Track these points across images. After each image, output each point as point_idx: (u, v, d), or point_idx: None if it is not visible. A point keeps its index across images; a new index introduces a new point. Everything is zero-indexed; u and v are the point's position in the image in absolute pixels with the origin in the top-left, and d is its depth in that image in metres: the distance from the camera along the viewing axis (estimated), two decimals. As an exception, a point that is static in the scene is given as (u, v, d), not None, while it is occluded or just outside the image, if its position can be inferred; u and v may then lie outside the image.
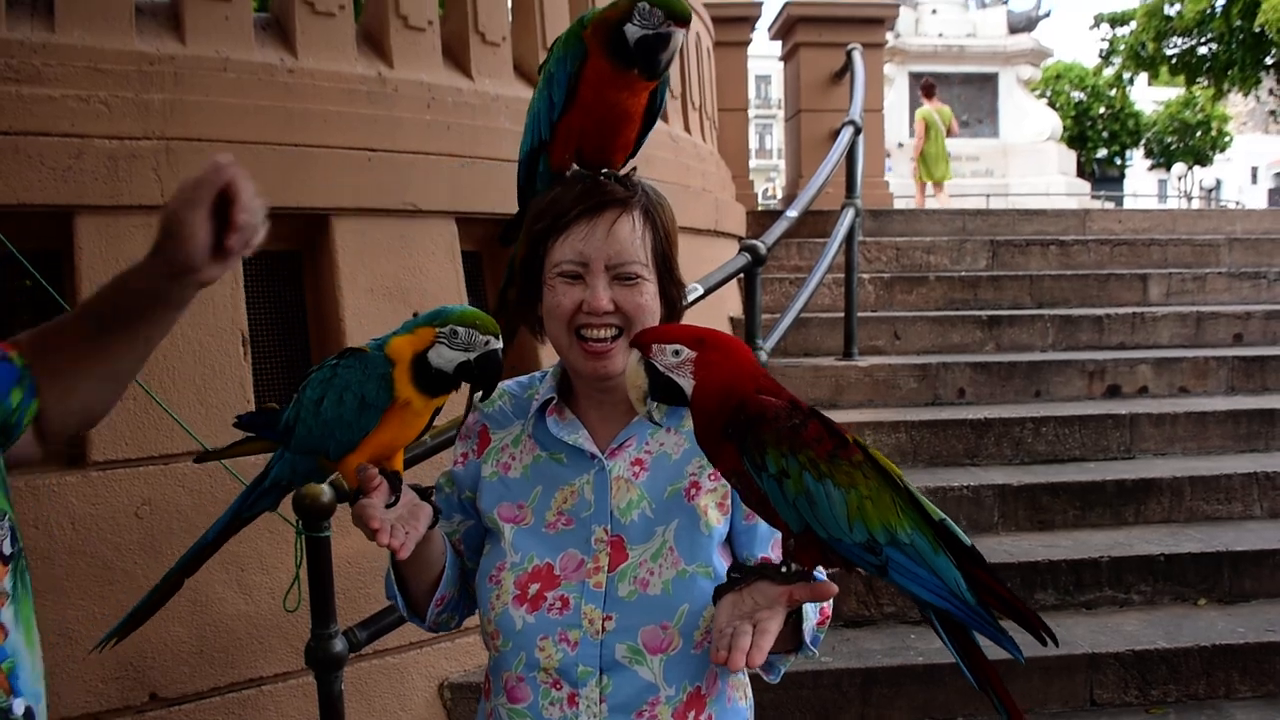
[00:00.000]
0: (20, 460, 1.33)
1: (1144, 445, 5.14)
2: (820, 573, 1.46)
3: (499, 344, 1.45)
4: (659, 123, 5.22)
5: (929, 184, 12.85)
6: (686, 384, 1.32)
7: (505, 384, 1.69)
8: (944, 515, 1.34)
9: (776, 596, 1.32)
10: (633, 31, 1.57)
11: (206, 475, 3.27)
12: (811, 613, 1.51)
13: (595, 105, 1.64)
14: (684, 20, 1.57)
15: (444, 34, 4.07)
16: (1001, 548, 4.30)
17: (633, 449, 1.57)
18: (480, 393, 1.63)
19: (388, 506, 1.42)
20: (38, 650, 1.28)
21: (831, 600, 1.55)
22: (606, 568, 1.50)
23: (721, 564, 1.52)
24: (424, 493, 1.50)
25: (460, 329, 1.44)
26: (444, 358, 1.44)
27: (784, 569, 1.35)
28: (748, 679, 1.62)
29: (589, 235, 1.51)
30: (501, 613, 1.52)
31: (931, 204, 12.41)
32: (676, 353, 1.32)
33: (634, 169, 1.65)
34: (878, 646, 3.80)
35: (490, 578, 1.55)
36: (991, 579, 1.32)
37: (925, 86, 13.40)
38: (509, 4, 4.41)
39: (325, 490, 2.71)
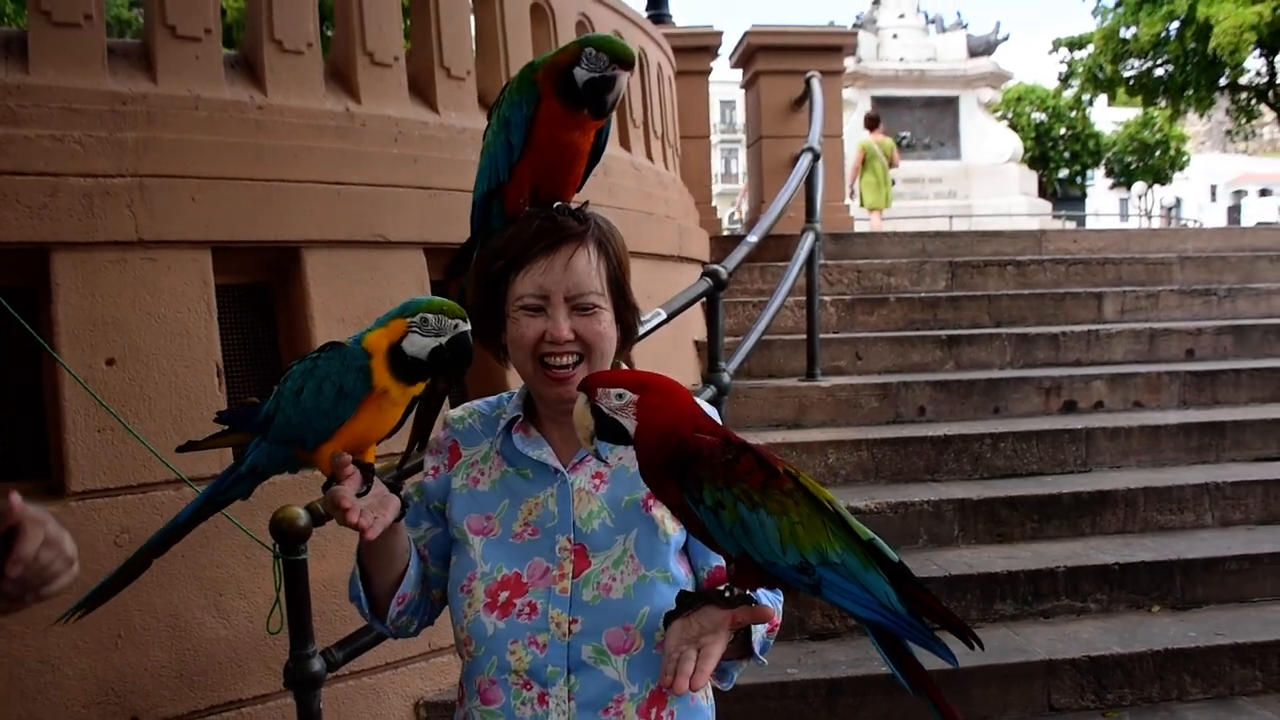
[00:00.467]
0: None
1: (1099, 459, 5.29)
2: (762, 595, 1.56)
3: (467, 326, 1.54)
4: (622, 152, 5.37)
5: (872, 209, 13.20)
6: (630, 424, 1.42)
7: (475, 404, 1.79)
8: (873, 535, 1.44)
9: (720, 621, 1.42)
10: (581, 75, 1.69)
11: (183, 504, 3.32)
12: (758, 625, 1.59)
13: (549, 146, 1.74)
14: (628, 64, 1.69)
15: (409, 69, 4.17)
16: (962, 560, 4.42)
17: (593, 463, 1.66)
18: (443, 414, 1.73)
19: (359, 495, 1.50)
20: None
21: (780, 610, 1.66)
22: (571, 574, 1.59)
23: (679, 569, 1.62)
24: (393, 487, 1.58)
25: (430, 316, 1.53)
26: (417, 345, 1.52)
27: (726, 594, 1.45)
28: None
29: (548, 270, 1.61)
30: (474, 620, 1.60)
31: (865, 227, 12.70)
32: (620, 396, 1.42)
33: (586, 202, 1.76)
34: (842, 658, 3.90)
35: (461, 588, 1.64)
36: (919, 591, 1.42)
37: (869, 119, 13.78)
38: (472, 38, 4.53)
39: (301, 514, 2.80)
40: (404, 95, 4.07)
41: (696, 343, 5.99)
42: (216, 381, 3.44)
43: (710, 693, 1.72)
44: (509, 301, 1.64)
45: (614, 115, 1.81)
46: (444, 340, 1.53)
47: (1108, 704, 3.85)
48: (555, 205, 1.70)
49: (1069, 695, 3.84)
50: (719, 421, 1.55)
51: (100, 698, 3.18)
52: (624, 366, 1.72)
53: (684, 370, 5.77)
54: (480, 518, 1.67)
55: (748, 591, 1.47)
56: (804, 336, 5.81)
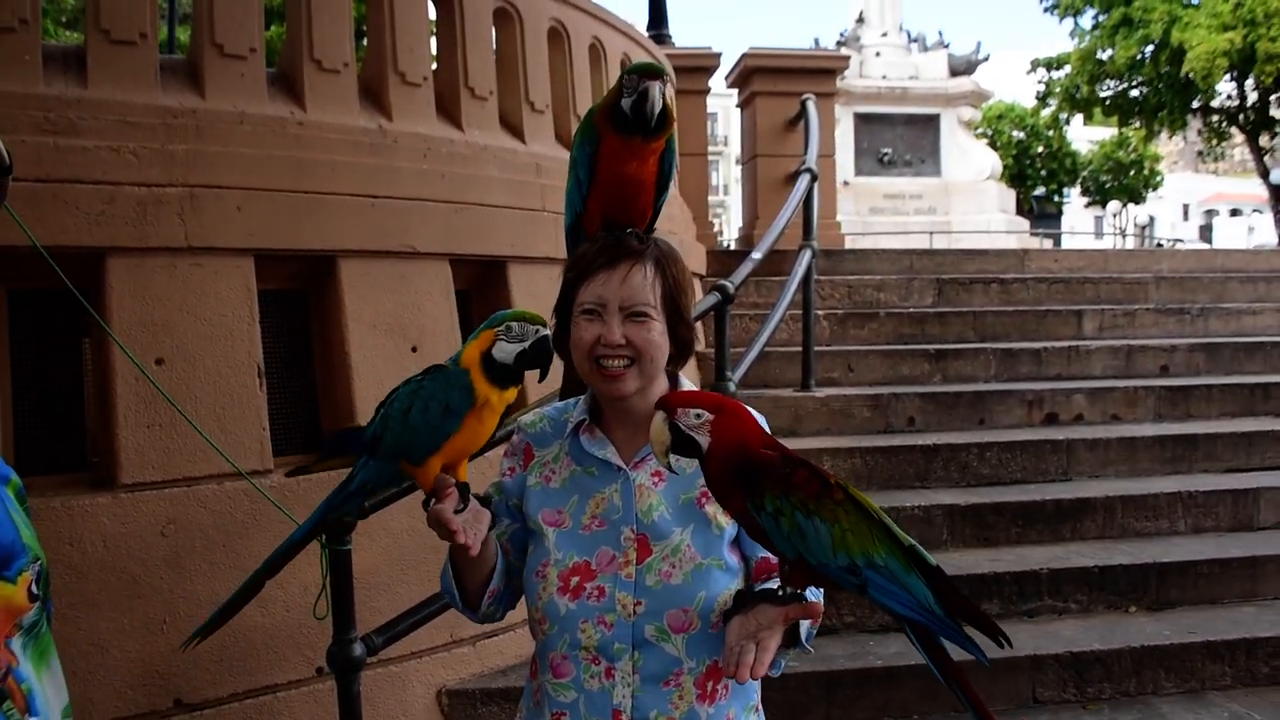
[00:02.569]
0: None
1: (1079, 468, 5.53)
2: (811, 592, 1.72)
3: (547, 330, 1.74)
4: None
5: None
6: (704, 441, 1.58)
7: (545, 409, 1.98)
8: (913, 541, 1.60)
9: (775, 618, 1.59)
10: (625, 101, 1.90)
11: (226, 497, 3.53)
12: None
13: (612, 178, 1.96)
14: (653, 74, 1.89)
15: (436, 88, 4.38)
16: (950, 562, 4.65)
17: (653, 461, 1.84)
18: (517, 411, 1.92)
19: (456, 512, 1.68)
20: (54, 682, 1.44)
21: (821, 603, 1.86)
22: (635, 561, 1.77)
23: (731, 558, 1.80)
24: (482, 500, 1.77)
25: (514, 324, 1.72)
26: (505, 351, 1.71)
27: (780, 592, 1.62)
28: None
29: (607, 281, 1.80)
30: (548, 601, 1.79)
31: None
32: (698, 415, 1.57)
33: (653, 229, 1.97)
34: (840, 652, 4.13)
35: (536, 573, 1.82)
36: (954, 592, 1.58)
37: None
38: (493, 61, 4.74)
39: (348, 507, 3.00)
40: (432, 113, 4.28)
41: (697, 354, 6.20)
42: (258, 382, 3.64)
43: None
44: (574, 308, 1.83)
45: (672, 147, 2.02)
46: (527, 344, 1.71)
47: (1088, 697, 4.10)
48: (626, 230, 1.92)
49: (1052, 689, 4.08)
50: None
51: (146, 680, 3.37)
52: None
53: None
54: (553, 511, 1.85)
55: (801, 596, 1.63)
56: (799, 349, 6.03)
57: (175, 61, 3.88)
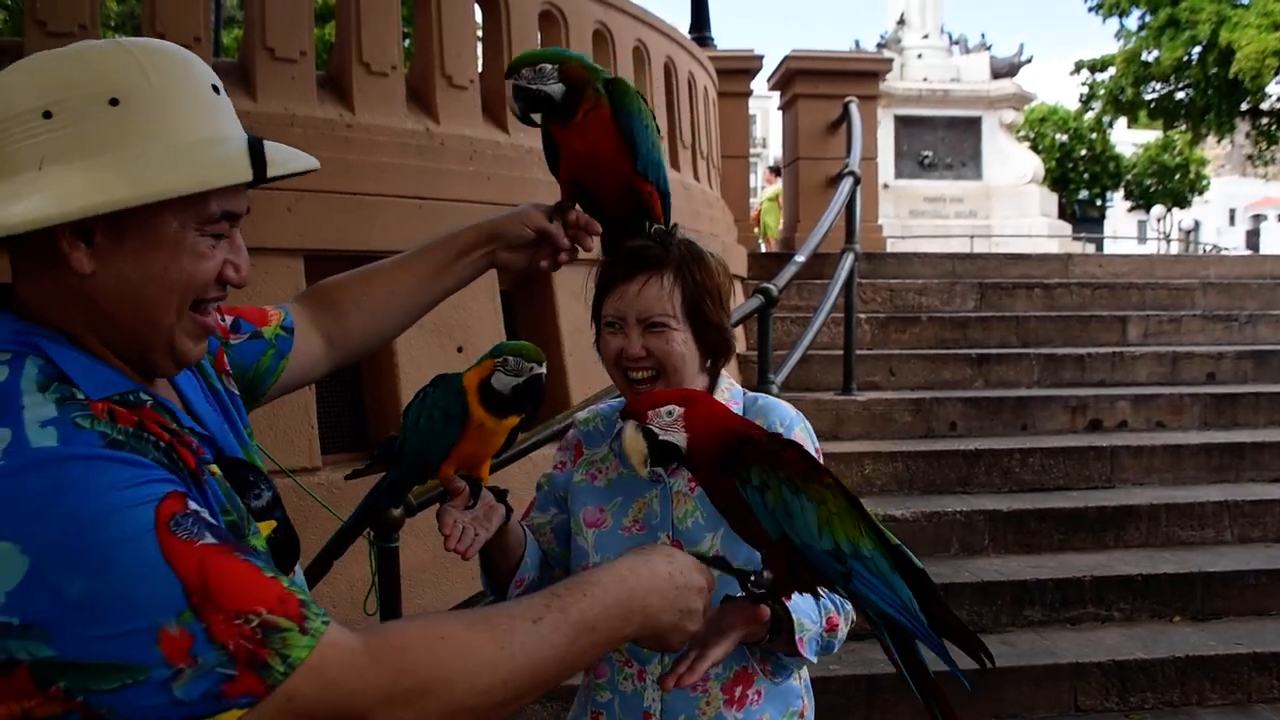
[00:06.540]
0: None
1: (1123, 475, 5.48)
2: (804, 611, 1.66)
3: (542, 369, 1.71)
4: (672, 171, 5.61)
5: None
6: (681, 439, 1.47)
7: (599, 407, 2.03)
8: (900, 542, 1.52)
9: (732, 624, 1.54)
10: None
11: (274, 493, 3.58)
12: (809, 624, 1.71)
13: (571, 165, 1.83)
14: (511, 71, 1.78)
15: (482, 91, 4.43)
16: (992, 568, 4.64)
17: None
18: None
19: (467, 508, 1.70)
20: None
21: (843, 609, 1.77)
22: None
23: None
24: (500, 495, 1.78)
25: (511, 358, 1.70)
26: (502, 383, 1.70)
27: (752, 578, 1.55)
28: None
29: (624, 294, 1.81)
30: None
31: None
32: (670, 413, 1.47)
33: (676, 225, 1.91)
34: (880, 656, 4.09)
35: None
36: (938, 602, 1.48)
37: (774, 169, 13.60)
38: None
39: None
40: (478, 116, 4.33)
41: (738, 356, 6.21)
42: (306, 381, 3.69)
43: (805, 672, 1.89)
44: (600, 318, 1.86)
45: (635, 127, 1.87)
46: (521, 380, 1.70)
47: (1130, 706, 4.06)
48: (653, 229, 1.86)
49: (1094, 697, 4.05)
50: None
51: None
52: (707, 382, 1.91)
53: (724, 381, 5.98)
54: (595, 510, 1.89)
55: (775, 593, 1.55)
56: (840, 352, 6.02)
57: (227, 64, 3.95)
